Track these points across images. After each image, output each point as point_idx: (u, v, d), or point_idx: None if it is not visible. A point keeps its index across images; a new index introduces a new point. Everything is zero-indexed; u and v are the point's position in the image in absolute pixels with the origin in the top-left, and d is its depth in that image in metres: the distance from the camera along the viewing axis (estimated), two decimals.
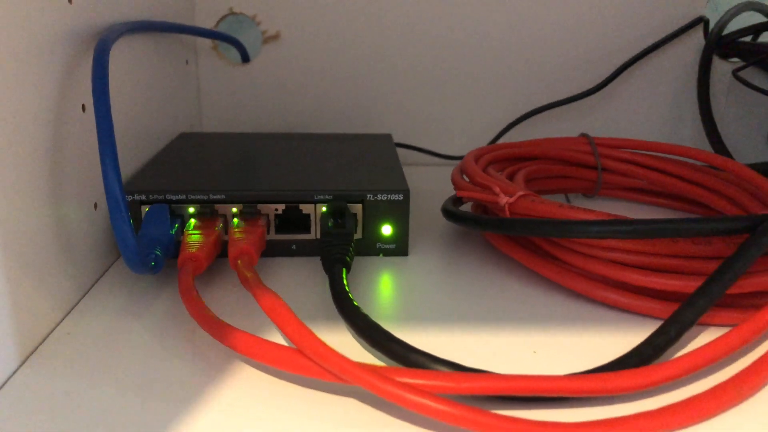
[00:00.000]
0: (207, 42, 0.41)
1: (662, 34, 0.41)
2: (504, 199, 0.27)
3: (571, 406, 0.19)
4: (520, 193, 0.27)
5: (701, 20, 0.40)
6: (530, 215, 0.26)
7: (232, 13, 0.41)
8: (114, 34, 0.25)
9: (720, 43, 0.40)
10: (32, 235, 0.21)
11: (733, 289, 0.22)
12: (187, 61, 0.39)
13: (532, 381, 0.18)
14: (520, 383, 0.18)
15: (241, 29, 0.41)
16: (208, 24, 0.41)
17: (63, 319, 0.23)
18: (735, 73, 0.39)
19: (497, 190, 0.27)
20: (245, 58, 0.41)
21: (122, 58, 0.29)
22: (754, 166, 0.36)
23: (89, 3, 0.25)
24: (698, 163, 0.34)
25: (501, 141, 0.42)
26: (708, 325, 0.23)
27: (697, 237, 0.23)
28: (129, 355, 0.21)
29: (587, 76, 0.41)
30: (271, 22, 0.41)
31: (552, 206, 0.25)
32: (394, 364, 0.20)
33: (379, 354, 0.21)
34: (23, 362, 0.20)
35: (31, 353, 0.21)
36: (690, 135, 0.42)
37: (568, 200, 0.36)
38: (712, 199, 0.32)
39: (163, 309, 0.24)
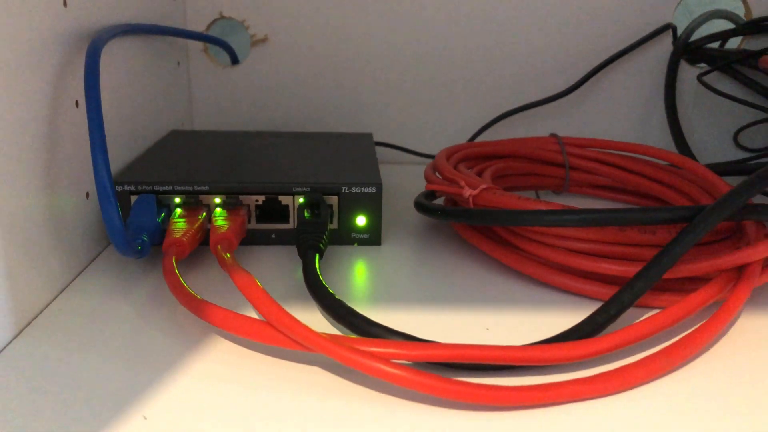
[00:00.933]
0: (198, 44, 0.43)
1: (632, 40, 0.43)
2: (468, 192, 0.29)
3: (514, 375, 0.21)
4: (483, 186, 0.29)
5: (669, 27, 0.43)
6: (491, 206, 0.28)
7: (222, 18, 0.43)
8: (106, 35, 0.27)
9: (688, 49, 0.42)
10: (28, 220, 0.23)
11: (670, 274, 0.24)
12: (178, 63, 0.41)
13: (474, 349, 0.20)
14: (463, 351, 0.20)
15: (230, 33, 0.43)
16: (200, 27, 0.43)
17: (56, 297, 0.25)
18: (700, 77, 0.41)
19: (462, 183, 0.29)
20: (234, 60, 0.43)
21: (116, 57, 0.31)
22: (712, 166, 0.38)
23: (83, 6, 0.27)
24: (660, 161, 0.36)
25: (478, 140, 0.44)
26: (648, 307, 0.25)
27: (641, 225, 0.25)
28: (116, 329, 0.23)
29: (560, 79, 0.43)
30: (260, 26, 0.43)
31: (511, 198, 0.27)
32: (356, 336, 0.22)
33: (343, 328, 0.23)
34: (19, 333, 0.22)
35: (26, 326, 0.23)
36: (658, 136, 0.44)
37: (538, 196, 0.38)
38: (671, 195, 0.34)
39: (148, 289, 0.26)
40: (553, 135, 0.38)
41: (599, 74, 0.43)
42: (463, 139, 0.45)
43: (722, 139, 0.44)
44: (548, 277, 0.26)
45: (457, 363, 0.20)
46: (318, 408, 0.19)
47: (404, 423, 0.18)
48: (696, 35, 0.43)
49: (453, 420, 0.18)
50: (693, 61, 0.44)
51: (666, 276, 0.24)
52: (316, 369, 0.21)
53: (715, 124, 0.44)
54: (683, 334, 0.22)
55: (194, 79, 0.44)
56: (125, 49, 0.32)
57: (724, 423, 0.18)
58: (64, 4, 0.25)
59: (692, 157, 0.39)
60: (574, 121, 0.44)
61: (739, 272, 0.24)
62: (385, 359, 0.19)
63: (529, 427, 0.18)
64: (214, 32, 0.43)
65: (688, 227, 0.23)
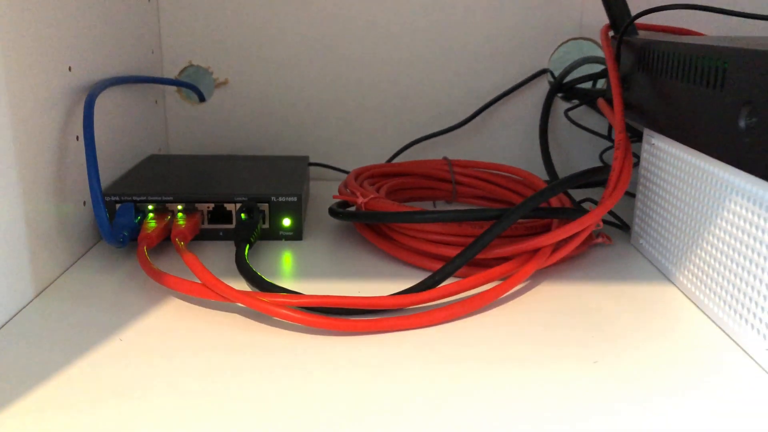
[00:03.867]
0: (172, 87, 0.54)
1: (516, 81, 0.54)
2: (361, 200, 0.40)
3: (373, 316, 0.31)
4: (372, 196, 0.40)
5: (545, 71, 0.54)
6: (376, 210, 0.39)
7: (191, 65, 0.54)
8: (99, 88, 0.38)
9: (563, 89, 0.54)
10: (43, 220, 0.33)
11: (484, 254, 0.35)
12: (156, 101, 0.52)
13: (338, 299, 0.31)
14: (331, 300, 0.31)
15: (198, 77, 0.54)
16: (174, 73, 0.54)
17: (63, 272, 0.35)
18: (566, 112, 0.52)
19: (358, 194, 0.40)
20: (202, 99, 0.54)
21: (107, 100, 0.42)
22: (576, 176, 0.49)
23: (83, 68, 0.38)
24: (515, 177, 0.47)
25: (395, 161, 0.55)
26: (464, 276, 0.36)
27: (471, 221, 0.36)
28: (105, 291, 0.33)
29: (458, 114, 0.55)
30: (221, 71, 0.54)
31: (390, 204, 0.38)
32: None
33: (256, 290, 0.34)
34: (37, 295, 0.33)
35: (43, 290, 0.33)
36: (536, 159, 0.56)
37: (434, 205, 0.49)
38: (518, 199, 0.45)
39: (127, 267, 0.36)
40: (445, 158, 0.49)
41: (489, 109, 0.55)
42: (383, 160, 0.56)
43: (592, 157, 0.56)
44: (411, 258, 0.37)
45: (328, 307, 0.31)
46: (236, 337, 0.30)
47: (292, 344, 0.29)
48: (572, 77, 0.54)
49: (323, 341, 0.29)
50: (567, 98, 0.55)
51: (481, 256, 0.35)
52: (234, 315, 0.32)
53: (586, 145, 0.55)
54: (478, 292, 0.33)
55: (169, 114, 0.55)
56: (114, 94, 0.43)
57: (496, 349, 0.29)
58: (69, 69, 0.36)
59: (555, 174, 0.50)
60: (470, 147, 0.55)
61: (533, 254, 0.35)
62: (280, 305, 0.30)
63: (369, 343, 0.29)
64: (185, 77, 0.54)
65: (495, 223, 0.34)
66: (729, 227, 0.30)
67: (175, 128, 0.55)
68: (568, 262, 0.39)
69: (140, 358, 0.27)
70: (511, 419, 0.24)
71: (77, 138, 0.37)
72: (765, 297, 0.27)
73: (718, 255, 0.31)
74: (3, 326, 0.30)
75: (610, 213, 0.46)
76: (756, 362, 0.28)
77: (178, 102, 0.55)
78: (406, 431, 0.23)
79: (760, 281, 0.27)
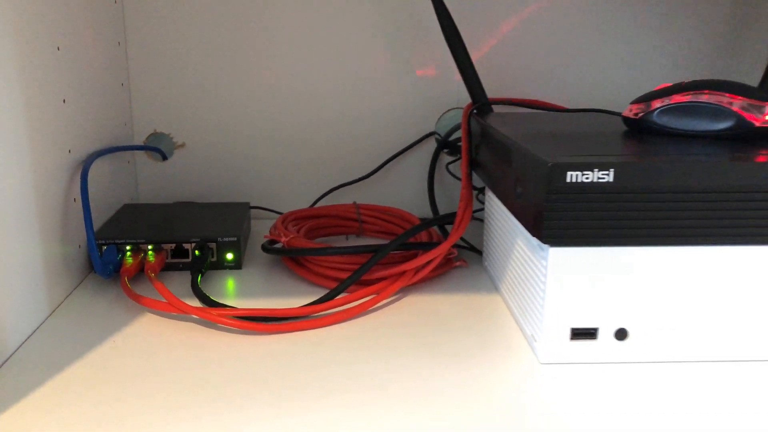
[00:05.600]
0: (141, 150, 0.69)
1: (411, 141, 0.70)
2: (284, 239, 0.55)
3: (286, 321, 0.46)
4: (292, 236, 0.55)
5: (433, 133, 0.70)
6: (295, 246, 0.54)
7: (155, 132, 0.68)
8: (90, 161, 0.53)
9: (447, 147, 0.69)
10: (52, 258, 0.48)
11: (367, 276, 0.50)
12: (128, 161, 0.67)
13: (262, 310, 0.45)
14: (258, 311, 0.45)
15: (161, 141, 0.69)
16: (141, 139, 0.68)
17: (66, 297, 0.49)
18: (446, 166, 0.68)
19: (282, 234, 0.55)
20: (165, 158, 0.69)
21: (95, 167, 0.56)
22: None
23: (79, 149, 0.52)
24: (404, 218, 0.63)
25: (318, 205, 0.70)
26: (351, 292, 0.51)
27: (359, 254, 0.51)
28: (98, 310, 0.47)
29: (366, 167, 0.70)
30: (179, 136, 0.68)
31: (305, 242, 0.53)
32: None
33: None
34: (52, 312, 0.47)
35: (57, 307, 0.47)
36: (427, 202, 0.71)
37: (347, 239, 0.64)
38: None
39: (113, 292, 0.51)
40: (354, 203, 0.64)
41: (390, 163, 0.70)
42: (310, 203, 0.71)
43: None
44: (318, 280, 0.52)
45: (256, 316, 0.46)
46: (193, 339, 0.44)
47: (231, 342, 0.44)
48: (453, 137, 0.70)
49: (252, 339, 0.44)
50: (452, 154, 0.71)
51: (365, 277, 0.50)
52: (191, 324, 0.46)
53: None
54: (359, 303, 0.48)
55: (139, 171, 0.69)
56: (98, 159, 0.57)
57: (367, 339, 0.44)
58: (69, 151, 0.51)
59: (437, 213, 0.66)
60: (375, 193, 0.71)
61: (400, 275, 0.50)
62: (223, 315, 0.45)
63: (283, 340, 0.44)
64: (150, 141, 0.68)
65: (374, 255, 0.50)
66: (517, 256, 0.46)
67: (143, 182, 0.69)
68: (433, 280, 0.54)
69: (128, 354, 0.42)
70: (373, 375, 0.39)
71: (74, 200, 0.52)
72: (531, 303, 0.43)
73: (515, 275, 0.46)
74: (33, 333, 0.44)
75: (467, 242, 0.62)
76: (529, 344, 0.43)
77: (145, 161, 0.69)
78: (305, 393, 0.38)
79: (530, 293, 0.43)
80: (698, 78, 0.71)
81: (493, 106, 0.67)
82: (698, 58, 0.70)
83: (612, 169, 0.37)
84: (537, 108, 0.62)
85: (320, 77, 0.68)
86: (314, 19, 0.67)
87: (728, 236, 0.38)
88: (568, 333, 0.40)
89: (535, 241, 0.41)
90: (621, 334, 0.40)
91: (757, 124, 0.44)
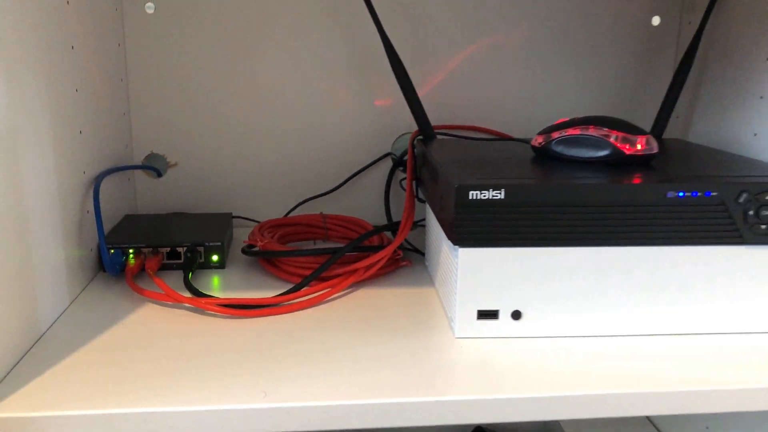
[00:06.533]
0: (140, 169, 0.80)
1: (371, 160, 0.82)
2: (260, 243, 0.66)
3: (261, 308, 0.58)
4: (267, 241, 0.66)
5: (389, 153, 0.82)
6: (269, 250, 0.65)
7: (151, 153, 0.80)
8: (100, 179, 0.64)
9: (401, 165, 0.81)
10: (70, 258, 0.59)
11: (326, 273, 0.62)
12: (129, 178, 0.78)
13: (241, 300, 0.57)
14: (238, 300, 0.57)
15: (156, 161, 0.80)
16: (140, 159, 0.80)
17: (82, 291, 0.61)
18: (400, 182, 0.80)
19: (258, 239, 0.67)
20: (159, 175, 0.80)
21: (103, 184, 0.67)
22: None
23: (91, 170, 0.64)
24: (361, 225, 0.75)
25: (291, 215, 0.82)
26: (311, 286, 0.62)
27: (322, 255, 0.63)
28: (108, 301, 0.59)
29: (332, 182, 0.82)
30: (172, 156, 0.80)
31: (278, 246, 0.65)
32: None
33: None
34: (71, 302, 0.58)
35: (76, 297, 0.59)
36: (383, 212, 0.83)
37: (314, 243, 0.76)
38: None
39: (119, 287, 0.62)
40: (321, 213, 0.76)
41: (353, 179, 0.82)
42: (285, 212, 0.83)
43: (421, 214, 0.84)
44: (288, 277, 0.64)
45: (236, 304, 0.58)
46: (186, 322, 0.56)
47: (216, 324, 0.55)
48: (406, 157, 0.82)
49: (234, 322, 0.56)
50: (405, 171, 0.83)
51: (325, 274, 0.62)
52: (184, 311, 0.58)
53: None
54: (313, 296, 0.59)
55: (138, 186, 0.81)
56: (106, 178, 0.69)
57: (322, 322, 0.56)
58: (84, 172, 0.62)
59: (391, 221, 0.78)
60: (340, 205, 0.83)
61: (352, 273, 0.62)
62: (210, 304, 0.56)
63: (258, 323, 0.55)
64: (147, 161, 0.80)
65: (331, 256, 0.62)
66: (443, 256, 0.58)
67: (141, 195, 0.81)
68: (382, 276, 0.66)
69: (134, 334, 0.53)
70: (329, 348, 0.50)
71: (87, 212, 0.63)
72: (449, 292, 0.55)
73: (442, 271, 0.58)
74: (58, 318, 0.55)
75: (412, 245, 0.74)
76: (449, 324, 0.55)
77: (143, 178, 0.81)
78: (276, 362, 0.49)
79: (449, 284, 0.55)
80: (611, 111, 0.84)
81: (437, 133, 0.80)
82: (612, 93, 0.83)
83: (503, 189, 0.49)
84: (468, 137, 0.74)
85: (293, 106, 0.80)
86: (289, 57, 0.79)
87: (596, 239, 0.51)
88: (476, 314, 0.52)
89: (450, 243, 0.53)
90: (516, 315, 0.52)
91: (627, 153, 0.57)
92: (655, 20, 0.81)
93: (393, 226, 0.69)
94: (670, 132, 0.83)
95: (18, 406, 0.42)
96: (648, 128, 0.83)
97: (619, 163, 0.57)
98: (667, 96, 0.75)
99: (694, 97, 0.79)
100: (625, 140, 0.57)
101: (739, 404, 0.46)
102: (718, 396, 0.46)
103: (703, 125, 0.77)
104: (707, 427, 0.75)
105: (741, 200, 0.51)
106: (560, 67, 0.81)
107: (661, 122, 0.76)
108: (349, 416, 0.44)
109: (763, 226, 0.51)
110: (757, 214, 0.51)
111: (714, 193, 0.50)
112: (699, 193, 0.50)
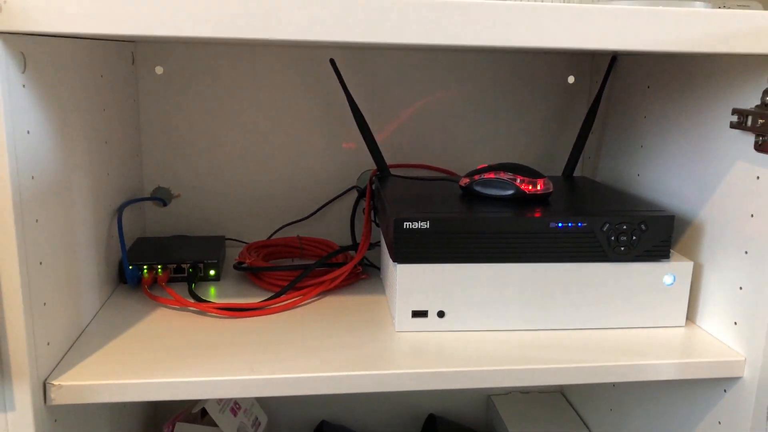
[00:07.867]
0: (149, 200, 0.97)
1: (339, 192, 0.99)
2: (248, 261, 0.84)
3: (250, 311, 0.75)
4: (253, 259, 0.84)
5: (354, 187, 1.00)
6: (256, 266, 0.83)
7: (159, 187, 0.97)
8: (122, 210, 0.81)
9: (363, 197, 0.99)
10: (102, 272, 0.76)
11: (299, 284, 0.79)
12: (140, 207, 0.95)
13: (234, 304, 0.74)
14: (232, 305, 0.74)
15: (162, 192, 0.97)
16: (149, 192, 0.97)
17: (108, 298, 0.78)
18: (363, 210, 0.98)
19: (247, 258, 0.84)
20: (165, 205, 0.97)
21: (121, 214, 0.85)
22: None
23: (115, 203, 0.81)
24: (330, 246, 0.92)
25: (273, 237, 0.99)
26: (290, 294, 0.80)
27: (296, 270, 0.81)
28: (129, 305, 0.76)
29: (308, 210, 1.00)
30: (176, 188, 0.97)
31: (262, 263, 0.82)
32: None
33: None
34: (102, 306, 0.75)
35: (105, 302, 0.76)
36: (350, 236, 1.01)
37: (293, 261, 0.93)
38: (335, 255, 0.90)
39: (137, 295, 0.79)
40: (297, 236, 0.94)
41: (324, 208, 1.00)
42: (268, 235, 1.00)
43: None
44: (270, 288, 0.81)
45: (231, 308, 0.75)
46: (191, 322, 0.73)
47: (216, 324, 0.72)
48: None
49: (229, 322, 0.73)
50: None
51: (299, 284, 0.79)
52: (189, 314, 0.75)
53: (376, 229, 1.01)
54: (289, 302, 0.77)
55: (147, 214, 0.98)
56: (125, 210, 0.86)
57: (294, 323, 0.73)
58: (110, 205, 0.79)
59: (355, 243, 0.95)
60: (314, 229, 1.00)
61: (320, 284, 0.79)
62: (210, 307, 0.73)
63: (248, 323, 0.73)
64: (155, 193, 0.97)
65: (303, 272, 0.79)
66: (389, 271, 0.75)
67: (150, 221, 0.98)
68: (345, 287, 0.83)
69: (151, 330, 0.70)
70: (300, 339, 0.68)
71: (112, 236, 0.80)
72: (392, 297, 0.72)
73: (389, 282, 0.76)
74: (93, 318, 0.72)
75: (370, 262, 0.91)
76: (392, 321, 0.73)
77: (152, 207, 0.98)
78: (262, 351, 0.67)
79: (392, 292, 0.72)
80: (536, 153, 1.02)
81: (392, 171, 0.98)
82: (536, 138, 1.01)
83: (428, 221, 0.67)
84: (413, 177, 0.92)
85: (276, 149, 0.97)
86: (273, 111, 0.96)
87: (499, 257, 0.69)
88: (411, 313, 0.70)
89: (392, 260, 0.71)
90: (441, 314, 0.70)
91: (529, 192, 0.75)
92: (571, 79, 1.00)
93: (356, 246, 0.87)
94: (585, 169, 1.02)
95: (78, 377, 0.59)
96: (562, 168, 1.02)
97: (522, 200, 0.75)
98: (576, 142, 0.94)
99: (599, 143, 0.97)
100: (527, 183, 0.75)
101: (600, 377, 0.64)
102: (589, 370, 0.64)
103: (604, 165, 0.95)
104: (611, 409, 0.93)
105: (605, 229, 0.69)
106: (494, 118, 1.00)
107: (572, 163, 0.94)
108: (315, 384, 0.61)
109: (623, 248, 0.69)
110: (617, 239, 0.69)
111: (584, 224, 0.69)
112: (573, 224, 0.68)
